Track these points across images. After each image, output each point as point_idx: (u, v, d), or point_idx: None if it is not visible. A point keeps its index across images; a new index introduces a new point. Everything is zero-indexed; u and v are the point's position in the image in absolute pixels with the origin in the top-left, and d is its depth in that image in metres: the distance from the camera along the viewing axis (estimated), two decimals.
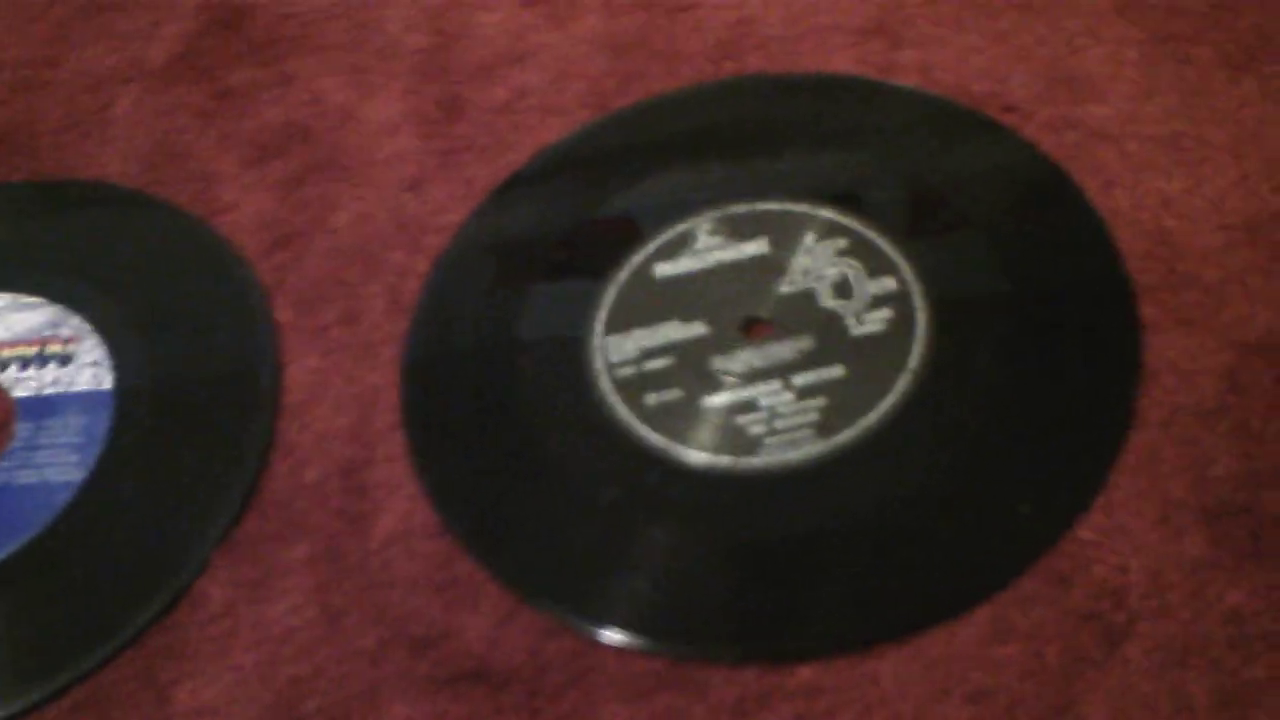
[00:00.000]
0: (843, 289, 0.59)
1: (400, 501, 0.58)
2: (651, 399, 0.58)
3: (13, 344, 0.65)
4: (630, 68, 0.69)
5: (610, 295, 0.61)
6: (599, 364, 0.59)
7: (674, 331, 0.59)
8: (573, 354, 0.59)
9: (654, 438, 0.57)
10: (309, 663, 0.55)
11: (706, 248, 0.61)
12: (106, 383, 0.63)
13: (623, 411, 0.58)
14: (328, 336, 0.63)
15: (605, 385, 0.58)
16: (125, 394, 0.62)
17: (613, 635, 0.53)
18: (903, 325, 0.58)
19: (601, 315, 0.60)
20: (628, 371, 0.58)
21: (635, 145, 0.65)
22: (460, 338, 0.61)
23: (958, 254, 0.60)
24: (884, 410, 0.56)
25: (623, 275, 0.61)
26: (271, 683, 0.55)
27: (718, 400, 0.57)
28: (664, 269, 0.61)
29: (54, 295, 0.66)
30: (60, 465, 0.61)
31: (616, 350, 0.59)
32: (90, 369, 0.63)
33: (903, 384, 0.57)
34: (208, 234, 0.66)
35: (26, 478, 0.60)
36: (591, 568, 0.55)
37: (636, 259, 0.61)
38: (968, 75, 0.66)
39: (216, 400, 0.62)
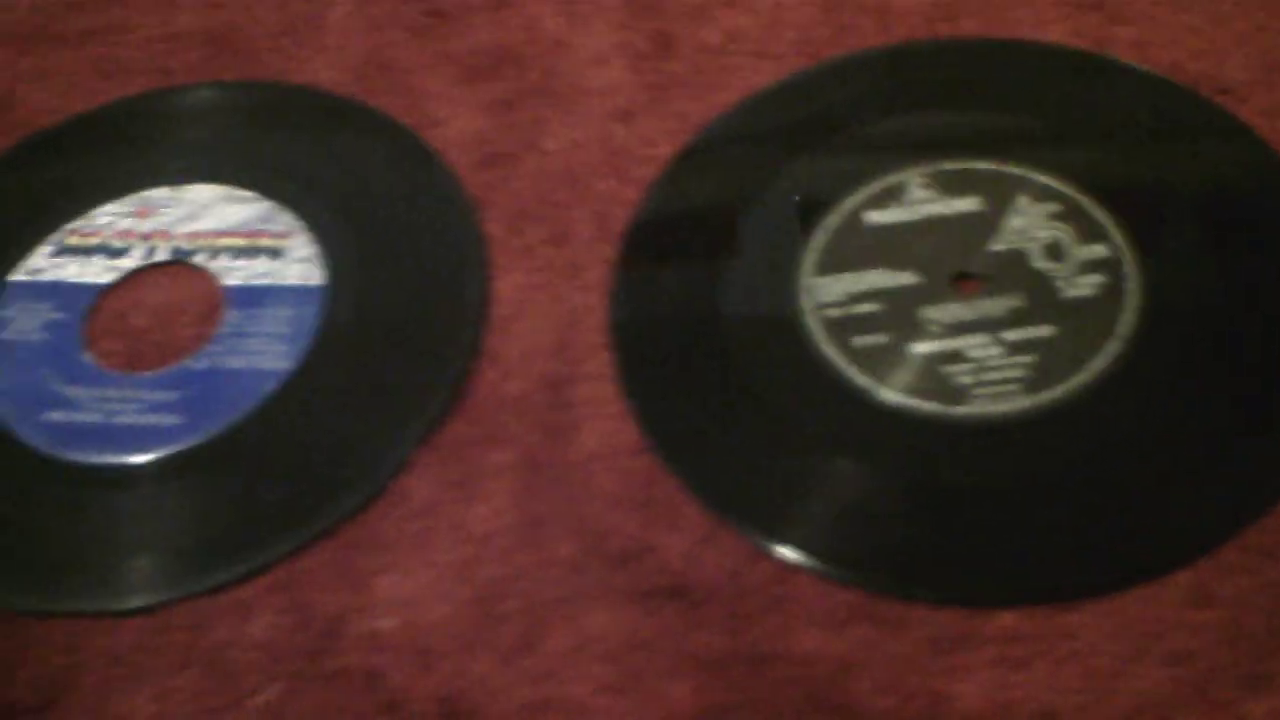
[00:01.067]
0: (1054, 252, 0.60)
1: (603, 419, 0.59)
2: (858, 341, 0.58)
3: (224, 234, 0.66)
4: (843, 20, 0.69)
5: (819, 238, 0.61)
6: (807, 303, 0.59)
7: (882, 279, 0.60)
8: (780, 290, 0.60)
9: (860, 378, 0.57)
10: (508, 565, 0.56)
11: (918, 200, 0.62)
12: (316, 279, 0.64)
13: (829, 350, 0.58)
14: (535, 254, 0.63)
15: (812, 323, 0.59)
16: (334, 291, 0.63)
17: (814, 564, 0.54)
18: (1113, 292, 0.58)
19: (810, 256, 0.61)
20: (835, 313, 0.59)
21: (848, 95, 0.66)
22: (669, 266, 0.62)
23: (1169, 226, 0.60)
24: (1093, 372, 0.57)
25: (832, 220, 0.62)
26: (470, 581, 0.56)
27: (925, 348, 0.58)
28: (874, 217, 0.62)
29: (267, 191, 0.67)
30: (268, 354, 0.62)
31: (825, 291, 0.60)
32: (300, 265, 0.64)
33: (1112, 348, 0.57)
34: (419, 145, 0.67)
35: (235, 363, 0.62)
36: (793, 497, 0.56)
37: (847, 205, 0.62)
38: (1184, 55, 0.66)
39: (424, 305, 0.63)
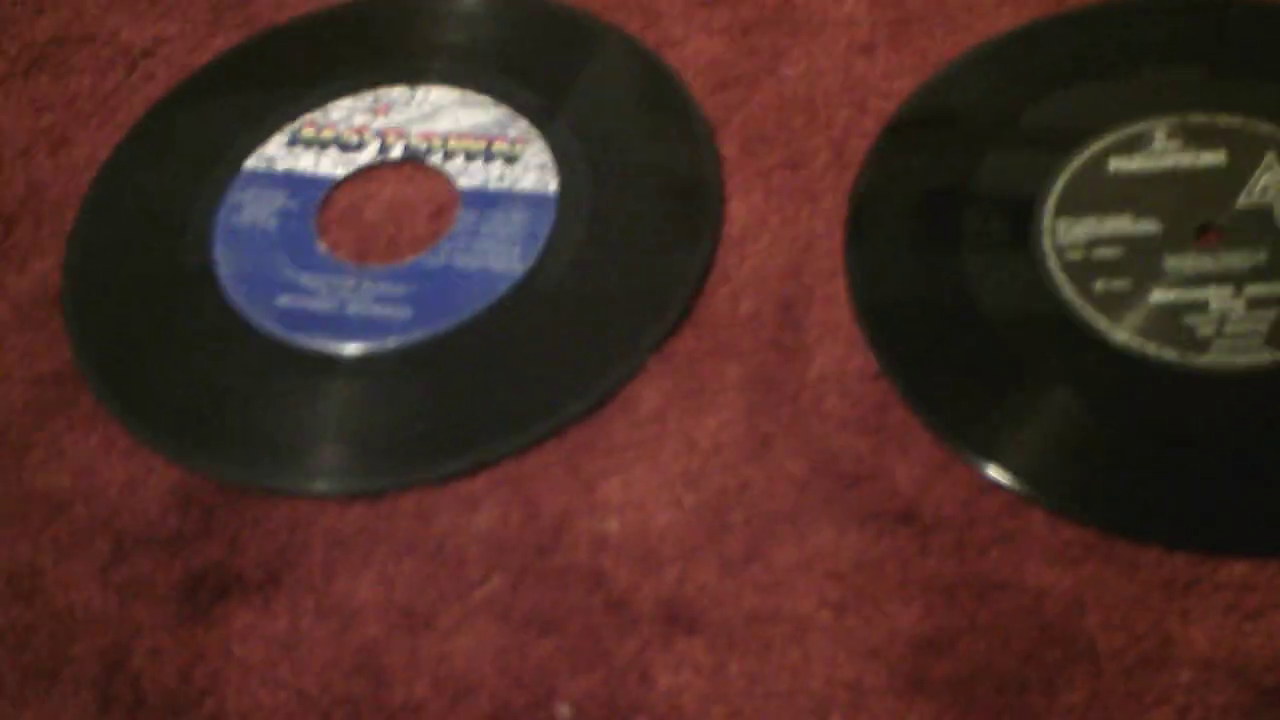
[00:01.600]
0: None
1: (836, 343, 0.59)
2: (1099, 285, 0.58)
3: (460, 136, 0.67)
4: None
5: (1062, 180, 0.61)
6: (1047, 244, 0.59)
7: (1125, 225, 0.60)
8: (1021, 228, 0.60)
9: (1099, 321, 0.57)
10: (736, 477, 0.56)
11: (1163, 150, 0.61)
12: (551, 187, 0.64)
13: (1068, 291, 0.58)
14: (771, 178, 0.64)
15: (1053, 265, 0.59)
16: (569, 200, 0.64)
17: (1044, 498, 0.54)
18: None
19: (1053, 197, 0.61)
20: (1076, 255, 0.59)
21: (1093, 42, 0.66)
22: (906, 196, 0.62)
23: None
24: None
25: (1075, 163, 0.61)
26: (699, 489, 0.56)
27: (1166, 296, 0.58)
28: (1119, 164, 0.61)
29: (503, 98, 0.67)
30: (501, 255, 0.63)
31: (1066, 233, 0.59)
32: (535, 172, 0.65)
33: None
34: (657, 63, 0.68)
35: (468, 262, 0.63)
36: (1025, 430, 0.55)
37: (1091, 149, 0.62)
38: None
39: (659, 220, 0.63)
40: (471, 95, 0.68)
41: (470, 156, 0.66)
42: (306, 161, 0.67)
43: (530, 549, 0.56)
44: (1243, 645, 0.51)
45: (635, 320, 0.60)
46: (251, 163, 0.67)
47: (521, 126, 0.66)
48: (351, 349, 0.61)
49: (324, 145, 0.68)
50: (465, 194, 0.65)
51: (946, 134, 0.63)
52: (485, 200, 0.64)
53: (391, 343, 0.61)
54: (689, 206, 0.63)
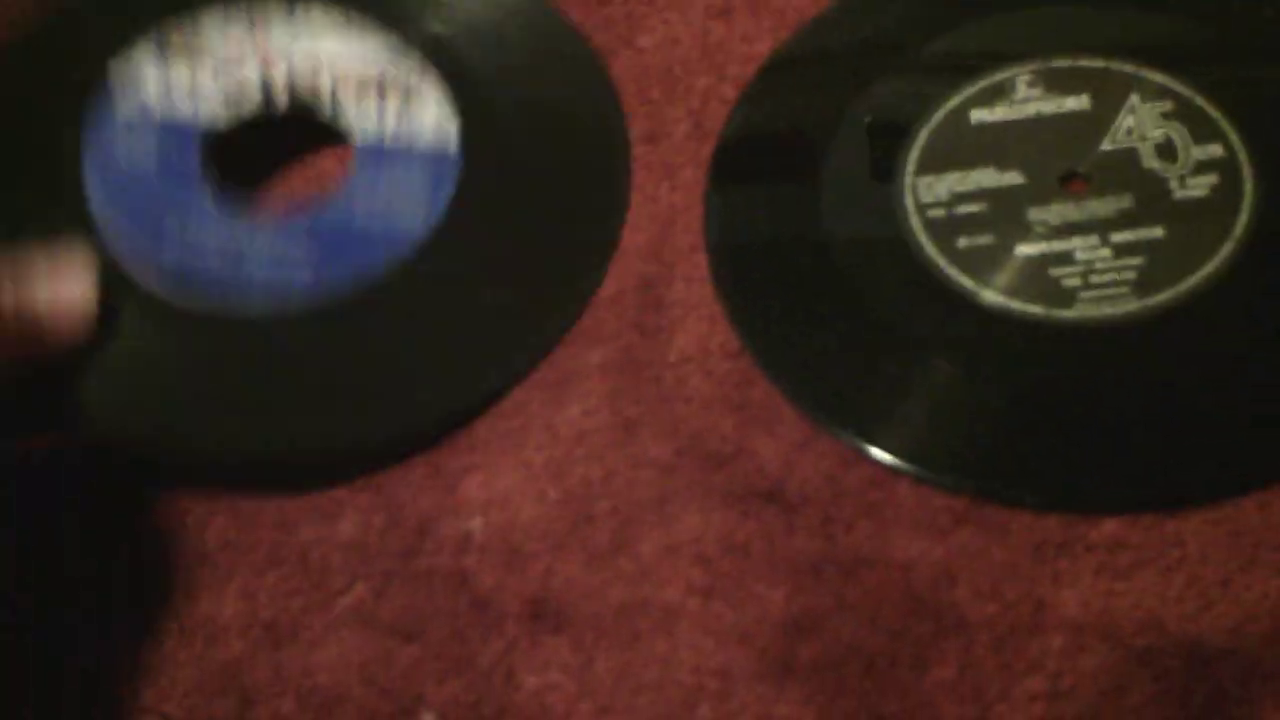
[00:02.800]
0: (1166, 151, 0.58)
1: (698, 321, 0.57)
2: (962, 242, 0.57)
3: (349, 63, 0.62)
4: None
5: (923, 136, 0.60)
6: (909, 203, 0.58)
7: (988, 178, 0.58)
8: (881, 189, 0.58)
9: (963, 280, 0.56)
10: (601, 466, 0.55)
11: (1025, 99, 0.60)
12: (452, 147, 0.61)
13: (931, 251, 0.57)
14: (629, 154, 0.62)
15: (915, 224, 0.57)
16: (472, 158, 0.61)
17: (913, 468, 0.53)
18: (1228, 193, 0.57)
19: (913, 155, 0.59)
20: (938, 213, 0.58)
21: None
22: (762, 164, 0.60)
23: None
24: (1205, 275, 0.55)
25: (936, 117, 0.60)
26: (562, 480, 0.55)
27: (1032, 250, 0.56)
28: (980, 115, 0.60)
29: (391, 22, 0.63)
30: (402, 214, 0.59)
31: (927, 191, 0.58)
32: (434, 107, 0.61)
33: (1226, 250, 0.55)
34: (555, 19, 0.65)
35: (366, 219, 0.59)
36: (892, 400, 0.54)
37: (951, 103, 0.60)
38: None
39: (562, 197, 0.61)
40: (356, 17, 0.63)
41: (363, 87, 0.62)
42: (184, 102, 0.62)
43: (394, 554, 0.54)
44: (1113, 606, 0.50)
45: (520, 320, 0.58)
46: (125, 113, 0.62)
47: (415, 58, 0.62)
48: (243, 313, 0.58)
49: (197, 57, 0.62)
50: (359, 150, 0.61)
51: (803, 98, 0.62)
52: (382, 156, 0.61)
53: (292, 305, 0.58)
54: (594, 187, 0.61)
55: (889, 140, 0.59)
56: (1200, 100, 0.59)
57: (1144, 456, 0.52)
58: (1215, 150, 0.57)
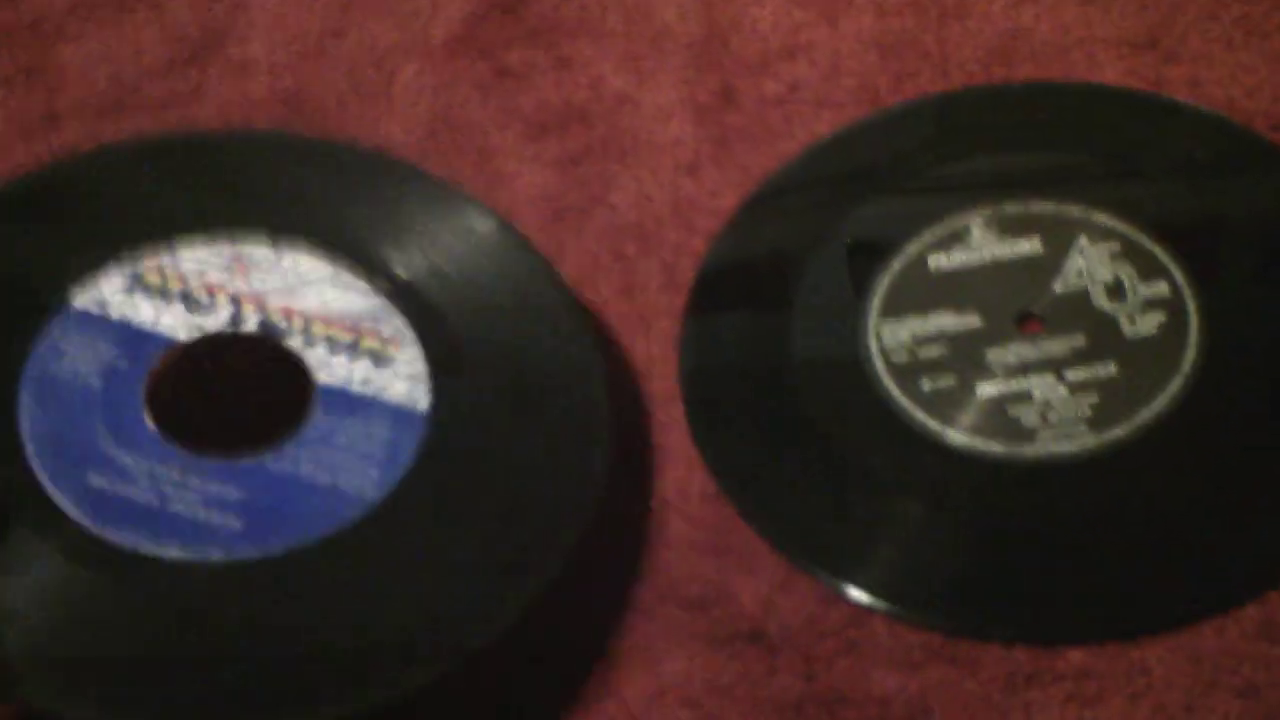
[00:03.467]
0: (1116, 291, 0.61)
1: (677, 466, 0.60)
2: (926, 384, 0.59)
3: (328, 322, 0.59)
4: (902, 68, 0.71)
5: (884, 282, 0.62)
6: (873, 348, 0.61)
7: (947, 322, 0.61)
8: (846, 335, 0.61)
9: (928, 422, 0.59)
10: (585, 611, 0.57)
11: (980, 243, 0.63)
12: (422, 404, 0.57)
13: (896, 393, 0.59)
14: (607, 308, 0.65)
15: (880, 369, 0.60)
16: (442, 423, 0.57)
17: (887, 607, 0.55)
18: (1176, 329, 0.59)
19: (875, 301, 0.62)
20: (901, 357, 0.60)
21: (909, 141, 0.67)
22: (736, 315, 0.63)
23: (1229, 263, 0.61)
24: (1157, 409, 0.58)
25: (897, 264, 0.63)
26: (550, 630, 0.57)
27: (991, 389, 0.59)
28: (938, 261, 0.63)
29: (377, 283, 0.60)
30: (355, 473, 0.55)
31: (890, 335, 0.61)
32: (406, 381, 0.58)
33: (1175, 385, 0.58)
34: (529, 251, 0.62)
35: (315, 474, 0.55)
36: (865, 541, 0.57)
37: (910, 250, 0.63)
38: (1239, 92, 0.67)
39: (543, 461, 0.57)
40: (345, 275, 0.60)
41: (334, 347, 0.58)
42: (146, 313, 0.58)
43: None
44: None
45: (497, 581, 0.54)
46: (82, 301, 0.58)
47: (396, 324, 0.59)
48: (162, 554, 0.53)
49: (168, 298, 0.59)
50: (324, 391, 0.58)
51: (766, 251, 0.65)
52: (346, 404, 0.57)
53: (214, 554, 0.53)
54: (577, 437, 0.58)
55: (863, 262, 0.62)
56: (1145, 240, 0.62)
57: (1106, 588, 0.54)
58: (1161, 289, 0.60)
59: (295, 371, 0.59)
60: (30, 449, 0.55)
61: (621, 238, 0.67)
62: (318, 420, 0.57)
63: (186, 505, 0.54)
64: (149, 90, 0.74)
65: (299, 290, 0.60)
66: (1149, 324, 0.60)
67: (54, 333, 0.58)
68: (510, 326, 0.60)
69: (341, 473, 0.55)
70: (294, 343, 0.59)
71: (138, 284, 0.59)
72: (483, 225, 0.63)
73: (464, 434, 0.57)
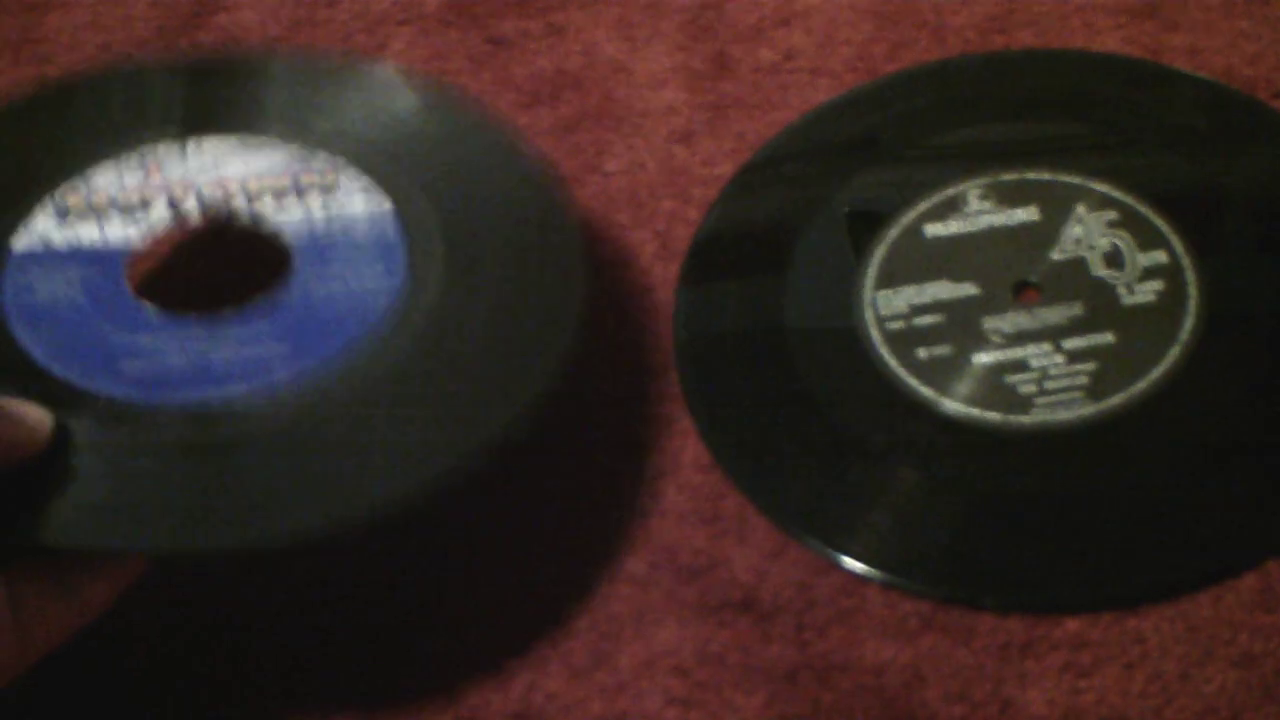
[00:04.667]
0: (1114, 259, 0.60)
1: (671, 437, 0.60)
2: (922, 353, 0.59)
3: (259, 178, 0.60)
4: (898, 36, 0.70)
5: (880, 251, 0.62)
6: (869, 318, 0.60)
7: (944, 290, 0.60)
8: (842, 304, 0.61)
9: (923, 391, 0.58)
10: (578, 581, 0.57)
11: (977, 211, 0.62)
12: (386, 204, 0.59)
13: (892, 362, 0.59)
14: (601, 277, 0.64)
15: (876, 338, 0.60)
16: (414, 217, 0.59)
17: (881, 575, 0.55)
18: (1174, 298, 0.59)
19: (871, 270, 0.61)
20: (897, 325, 0.60)
21: (905, 109, 0.67)
22: (731, 283, 0.63)
23: (1228, 231, 0.60)
24: (1155, 378, 0.57)
25: (892, 233, 0.62)
26: (541, 598, 0.56)
27: (987, 358, 0.58)
28: (934, 229, 0.62)
29: (291, 138, 0.61)
30: (367, 275, 0.57)
31: (886, 304, 0.60)
32: (361, 194, 0.59)
33: (1174, 354, 0.57)
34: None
35: (330, 288, 0.57)
36: (859, 510, 0.56)
37: (906, 218, 0.63)
38: (1238, 60, 0.67)
39: (519, 253, 0.59)
40: (251, 137, 0.61)
41: (279, 195, 0.59)
42: (88, 232, 0.59)
43: None
44: (1078, 703, 0.52)
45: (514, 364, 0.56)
46: (23, 243, 0.59)
47: (323, 158, 0.60)
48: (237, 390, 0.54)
49: (102, 214, 0.59)
50: (292, 228, 0.59)
51: (762, 219, 0.64)
52: (320, 231, 0.59)
53: (278, 375, 0.54)
54: (547, 248, 0.59)
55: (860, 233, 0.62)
56: (1144, 209, 0.61)
57: (1102, 556, 0.54)
58: (1160, 257, 0.60)
59: (258, 232, 0.60)
60: (54, 368, 0.55)
61: (615, 206, 0.67)
62: (305, 252, 0.58)
63: (229, 350, 0.55)
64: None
65: (220, 166, 0.61)
66: (1147, 293, 0.59)
67: (11, 276, 0.58)
68: (456, 162, 0.61)
69: (351, 279, 0.57)
70: (239, 205, 0.60)
71: (66, 213, 0.60)
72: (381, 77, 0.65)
73: (443, 223, 0.58)
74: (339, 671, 0.56)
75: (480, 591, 0.57)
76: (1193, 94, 0.65)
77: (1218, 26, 0.68)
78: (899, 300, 0.60)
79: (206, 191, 0.60)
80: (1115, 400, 0.57)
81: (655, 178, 0.67)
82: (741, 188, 0.66)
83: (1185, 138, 0.63)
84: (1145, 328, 0.58)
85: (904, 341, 0.59)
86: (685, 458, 0.59)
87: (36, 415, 0.52)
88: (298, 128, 0.62)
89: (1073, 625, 0.53)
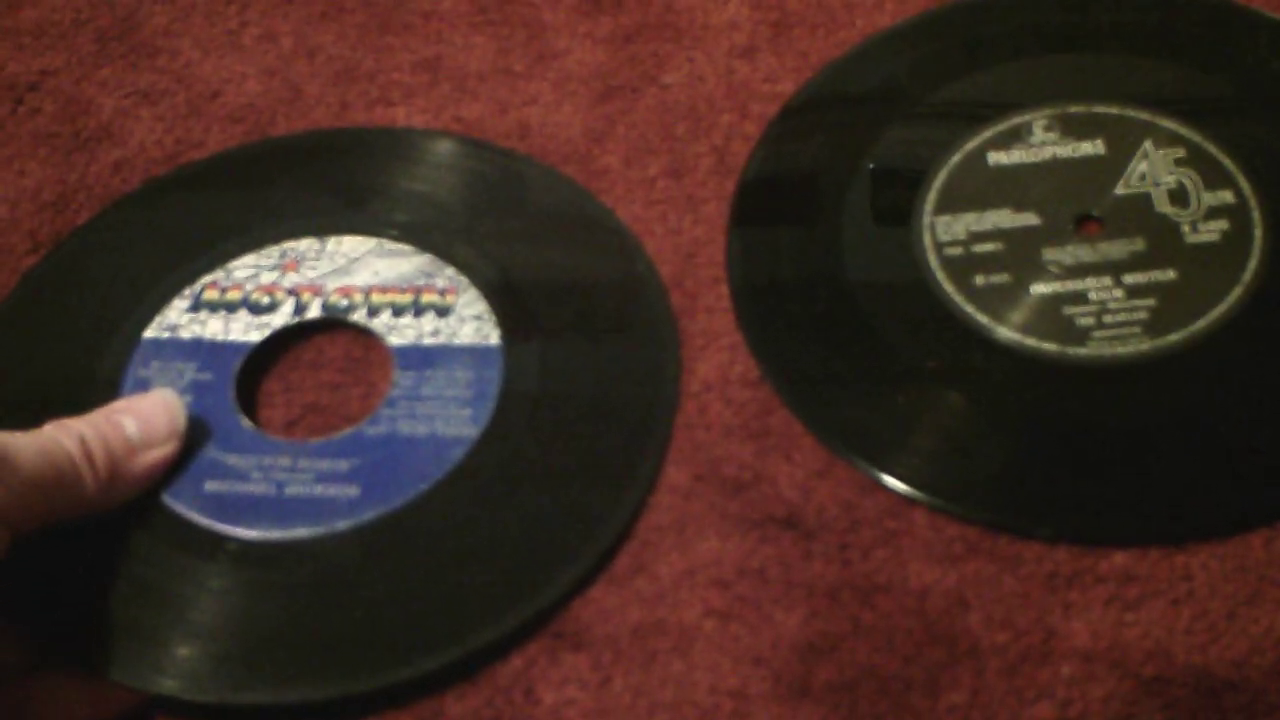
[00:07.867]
0: (1179, 197, 0.59)
1: (719, 350, 0.59)
2: (979, 280, 0.58)
3: (384, 290, 0.61)
4: None
5: (941, 176, 0.61)
6: (927, 241, 0.59)
7: (1004, 219, 0.60)
8: (900, 227, 0.60)
9: (979, 317, 0.57)
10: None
11: (1041, 142, 0.61)
12: (492, 339, 0.59)
13: (948, 288, 0.58)
14: (654, 187, 0.64)
15: (933, 262, 0.59)
16: (513, 352, 0.59)
17: (928, 498, 0.54)
18: (1239, 238, 0.58)
19: (931, 194, 0.60)
20: (956, 251, 0.59)
21: (972, 36, 0.66)
22: (785, 201, 0.62)
23: None
24: (1215, 317, 0.56)
25: (954, 159, 0.61)
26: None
27: (1046, 289, 0.58)
28: (997, 158, 0.61)
29: (423, 243, 0.62)
30: (450, 419, 0.57)
31: (945, 230, 0.59)
32: (472, 323, 0.60)
33: (1236, 294, 0.57)
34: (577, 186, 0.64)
35: (414, 428, 0.57)
36: (907, 431, 0.56)
37: (969, 145, 0.62)
38: None
39: (614, 377, 0.59)
40: (388, 244, 0.62)
41: (398, 310, 0.60)
42: (215, 327, 0.60)
43: None
44: (1123, 636, 0.51)
45: (604, 480, 0.56)
46: (152, 331, 0.61)
47: (449, 274, 0.61)
48: (294, 536, 0.55)
49: (231, 308, 0.61)
50: (400, 353, 0.59)
51: (826, 137, 0.63)
52: (423, 358, 0.59)
53: (340, 524, 0.55)
54: (644, 361, 0.59)
55: (895, 187, 0.61)
56: (1212, 148, 0.60)
57: (1153, 491, 0.53)
58: (1226, 197, 0.59)
59: (368, 343, 0.61)
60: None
61: (672, 118, 0.66)
62: (400, 380, 0.58)
63: (303, 486, 0.56)
64: None
65: (350, 270, 0.62)
66: (1212, 232, 0.58)
67: (135, 367, 0.60)
68: (562, 252, 0.62)
69: (436, 421, 0.57)
70: (358, 316, 0.61)
71: (200, 305, 0.61)
72: (510, 165, 0.65)
73: (539, 359, 0.59)
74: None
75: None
76: (1267, 35, 0.64)
77: None
78: (958, 226, 0.60)
79: (331, 299, 0.61)
80: (1174, 337, 0.56)
81: (715, 91, 0.66)
82: (803, 108, 0.65)
83: (1258, 79, 0.62)
84: (1208, 267, 0.57)
85: (961, 267, 0.58)
86: (733, 371, 0.58)
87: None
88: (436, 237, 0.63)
89: (1120, 559, 0.52)
